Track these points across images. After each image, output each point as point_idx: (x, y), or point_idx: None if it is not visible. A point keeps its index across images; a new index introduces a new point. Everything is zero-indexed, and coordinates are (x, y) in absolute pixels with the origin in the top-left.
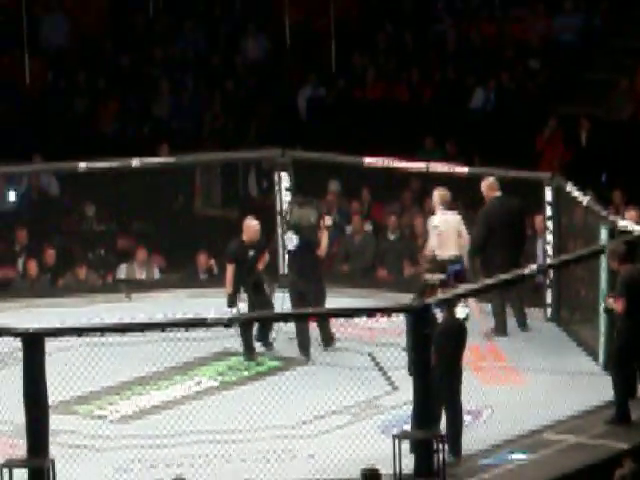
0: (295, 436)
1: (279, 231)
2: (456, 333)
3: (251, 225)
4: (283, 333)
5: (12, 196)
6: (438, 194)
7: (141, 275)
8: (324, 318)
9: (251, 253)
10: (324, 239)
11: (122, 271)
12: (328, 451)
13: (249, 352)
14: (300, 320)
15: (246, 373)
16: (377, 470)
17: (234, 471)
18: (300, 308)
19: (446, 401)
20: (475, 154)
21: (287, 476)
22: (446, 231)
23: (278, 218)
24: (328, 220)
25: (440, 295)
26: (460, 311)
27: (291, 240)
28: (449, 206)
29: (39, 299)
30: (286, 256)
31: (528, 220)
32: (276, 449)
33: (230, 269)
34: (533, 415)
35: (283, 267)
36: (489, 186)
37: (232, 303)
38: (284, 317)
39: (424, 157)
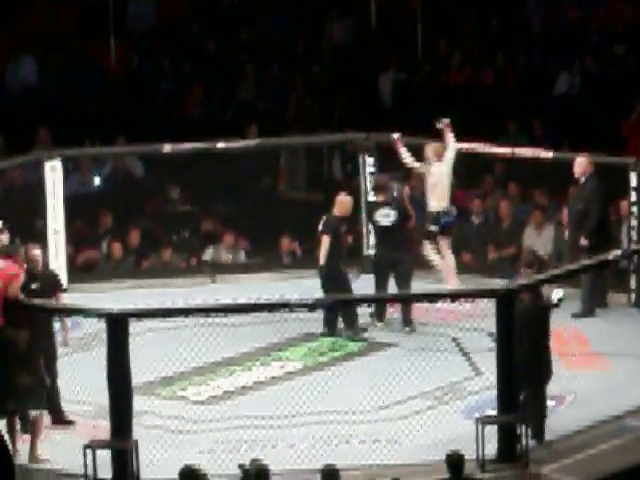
0: (378, 420)
1: (363, 214)
2: (539, 316)
3: (345, 200)
4: (368, 316)
5: (97, 180)
6: (433, 147)
7: (227, 258)
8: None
9: (343, 228)
10: (412, 211)
11: (209, 254)
12: (411, 435)
13: (330, 329)
14: (383, 302)
15: (331, 355)
16: (461, 454)
17: (317, 454)
18: (386, 283)
19: (530, 385)
20: (564, 139)
21: (370, 460)
22: (440, 183)
23: (362, 201)
24: (407, 190)
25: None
26: (555, 293)
27: (387, 215)
28: (440, 159)
29: (123, 281)
30: (371, 233)
31: (613, 205)
32: (359, 432)
33: (326, 242)
34: (617, 401)
35: (366, 249)
36: (588, 164)
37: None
38: (368, 300)
39: (507, 142)
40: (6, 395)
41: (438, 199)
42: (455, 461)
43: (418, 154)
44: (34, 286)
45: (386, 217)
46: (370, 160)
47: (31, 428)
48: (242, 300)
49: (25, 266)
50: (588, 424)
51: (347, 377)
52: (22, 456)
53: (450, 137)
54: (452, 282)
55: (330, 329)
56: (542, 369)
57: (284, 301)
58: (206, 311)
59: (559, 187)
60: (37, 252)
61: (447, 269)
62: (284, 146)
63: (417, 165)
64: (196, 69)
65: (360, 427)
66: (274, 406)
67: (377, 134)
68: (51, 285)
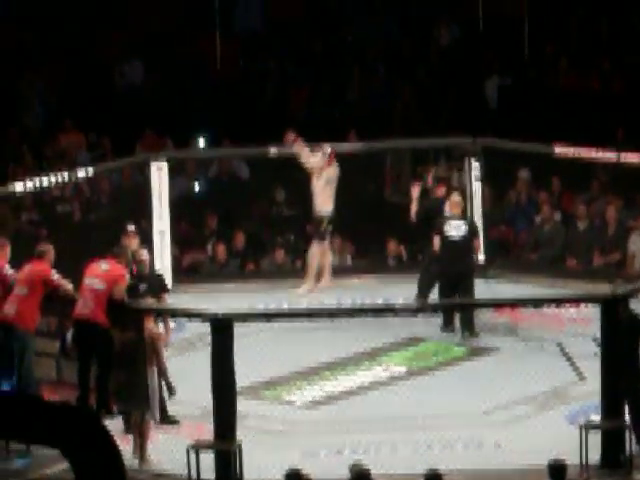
0: (482, 424)
1: (469, 218)
2: (632, 325)
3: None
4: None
5: (197, 187)
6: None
7: (334, 261)
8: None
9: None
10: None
11: None
12: (514, 440)
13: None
14: (488, 307)
15: (434, 359)
16: (563, 461)
17: (420, 458)
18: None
19: (631, 392)
20: None
21: (473, 465)
22: (331, 186)
23: (468, 205)
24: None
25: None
26: None
27: (459, 228)
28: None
29: (228, 283)
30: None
31: None
32: (463, 437)
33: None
34: None
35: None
36: None
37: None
38: (474, 305)
39: (614, 147)
40: (113, 396)
41: (327, 202)
42: (557, 468)
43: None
44: (142, 287)
45: (457, 229)
46: (476, 164)
47: (141, 429)
48: (347, 304)
49: (134, 268)
50: None
51: (450, 382)
52: (128, 458)
53: (334, 165)
54: (324, 282)
55: (448, 327)
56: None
57: (389, 305)
58: (311, 314)
59: None
60: (145, 254)
61: (323, 271)
62: (390, 150)
63: (315, 161)
64: (302, 70)
65: (463, 432)
66: (377, 410)
67: (483, 138)
68: (158, 287)
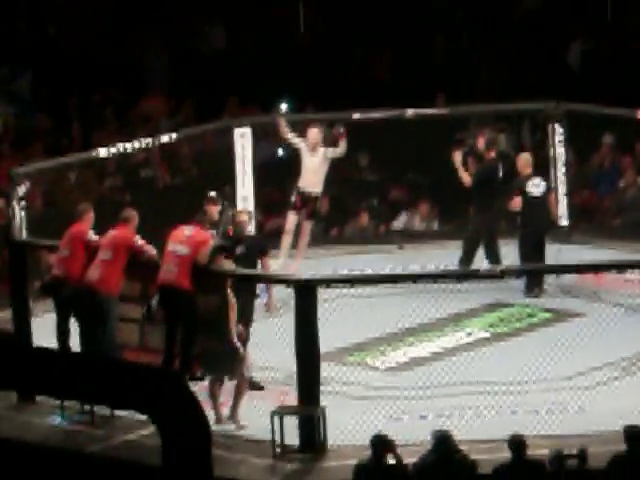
0: (565, 389)
1: (551, 183)
2: None
3: (523, 157)
4: (555, 286)
5: (280, 151)
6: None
7: (420, 227)
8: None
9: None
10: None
11: (401, 221)
12: (598, 405)
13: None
14: (572, 272)
15: (517, 325)
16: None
17: (504, 423)
18: (542, 255)
19: None
20: None
21: (557, 429)
22: (322, 170)
23: (551, 169)
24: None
25: None
26: None
27: (538, 186)
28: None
29: (311, 248)
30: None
31: None
32: (546, 401)
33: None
34: None
35: (557, 217)
36: None
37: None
38: (558, 269)
39: None
40: (197, 361)
41: (316, 184)
42: (633, 435)
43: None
44: (239, 250)
45: (537, 187)
46: (560, 129)
47: (235, 392)
48: (431, 268)
49: (230, 230)
50: None
51: (534, 346)
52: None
53: (343, 145)
54: (298, 262)
55: (532, 291)
56: None
57: (473, 270)
58: (395, 279)
59: None
60: (244, 217)
61: (301, 249)
62: (474, 114)
63: (298, 141)
64: (386, 35)
65: (547, 397)
66: (461, 375)
67: (567, 102)
68: (257, 250)
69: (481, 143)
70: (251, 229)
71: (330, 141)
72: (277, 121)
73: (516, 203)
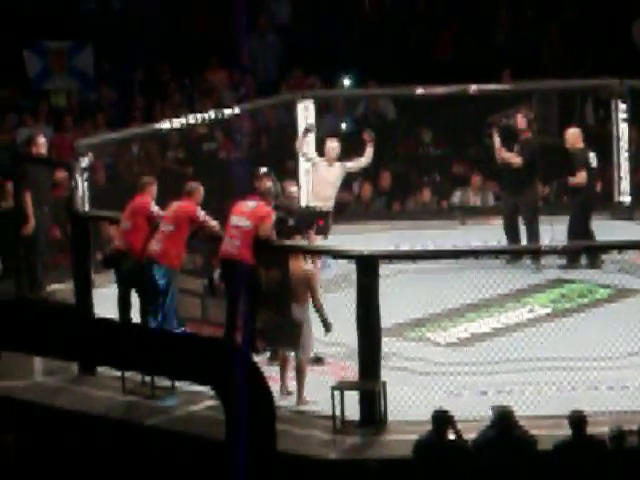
0: (627, 366)
1: (614, 160)
2: None
3: (574, 132)
4: (617, 262)
5: (344, 125)
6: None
7: (476, 201)
8: None
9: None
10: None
11: (457, 197)
12: None
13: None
14: (634, 249)
15: (579, 301)
16: None
17: (565, 399)
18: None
19: None
20: None
21: (618, 406)
22: (335, 185)
23: (614, 146)
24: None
25: None
26: None
27: (595, 158)
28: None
29: (374, 223)
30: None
31: None
32: (607, 379)
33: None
34: None
35: (618, 194)
36: None
37: None
38: (620, 246)
39: None
40: (258, 334)
41: (329, 199)
42: None
43: None
44: (291, 222)
45: (595, 159)
46: (623, 106)
47: (297, 368)
48: (491, 244)
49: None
50: None
51: (595, 323)
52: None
53: (369, 152)
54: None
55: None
56: None
57: (533, 247)
58: (456, 254)
59: None
60: (294, 189)
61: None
62: (537, 90)
63: (315, 156)
64: (450, 11)
65: (609, 374)
66: (522, 351)
67: (631, 80)
68: (307, 222)
69: (521, 122)
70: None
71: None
72: (300, 136)
73: (582, 177)
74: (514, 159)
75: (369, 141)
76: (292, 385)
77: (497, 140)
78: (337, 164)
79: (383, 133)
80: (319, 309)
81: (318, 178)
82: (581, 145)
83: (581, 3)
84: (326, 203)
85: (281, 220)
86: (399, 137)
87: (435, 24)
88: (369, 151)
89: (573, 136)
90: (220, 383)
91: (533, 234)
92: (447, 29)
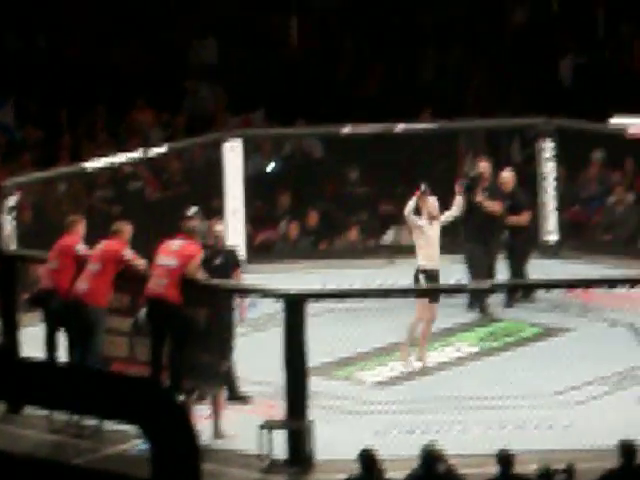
0: (554, 405)
1: (541, 198)
2: None
3: (503, 175)
4: (545, 300)
5: (271, 166)
6: (431, 204)
7: (409, 241)
8: None
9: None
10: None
11: (390, 235)
12: (587, 421)
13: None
14: (561, 287)
15: (507, 340)
16: (633, 442)
17: (492, 438)
18: None
19: None
20: None
21: (545, 445)
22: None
23: (540, 185)
24: (460, 184)
25: None
26: None
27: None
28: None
29: (301, 262)
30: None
31: None
32: (535, 417)
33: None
34: None
35: (545, 233)
36: None
37: None
38: (548, 285)
39: None
40: (184, 373)
41: (438, 258)
42: (627, 449)
43: None
44: (217, 262)
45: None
46: (550, 144)
47: (213, 406)
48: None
49: (209, 241)
50: None
51: (522, 362)
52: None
53: (459, 201)
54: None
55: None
56: None
57: (460, 285)
58: (384, 293)
59: None
60: (221, 228)
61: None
62: (463, 129)
63: (416, 218)
64: (377, 50)
65: (535, 412)
66: (449, 390)
67: (557, 118)
68: (232, 262)
69: (485, 168)
70: (237, 241)
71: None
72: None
73: (526, 218)
74: (496, 207)
75: (459, 191)
76: (223, 423)
77: (480, 198)
78: (436, 220)
79: (309, 172)
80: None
81: (427, 240)
82: (515, 186)
83: (508, 41)
84: (438, 265)
85: (207, 259)
86: (326, 176)
87: (362, 62)
88: (459, 199)
89: (511, 178)
90: (145, 422)
91: (521, 275)
92: (374, 67)
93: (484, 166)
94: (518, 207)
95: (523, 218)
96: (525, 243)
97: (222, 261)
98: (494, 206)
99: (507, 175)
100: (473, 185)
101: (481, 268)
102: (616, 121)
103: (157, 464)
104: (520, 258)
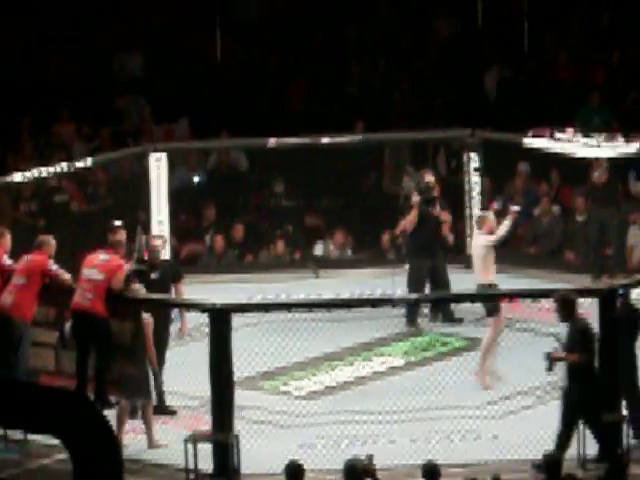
0: (479, 417)
1: (467, 211)
2: (631, 318)
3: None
4: (471, 313)
5: (196, 179)
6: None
7: (335, 254)
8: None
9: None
10: (411, 214)
11: (318, 249)
12: (512, 432)
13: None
14: (488, 300)
15: (433, 352)
16: (559, 455)
17: (418, 450)
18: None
19: (626, 385)
20: None
21: (471, 456)
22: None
23: (466, 198)
24: (415, 197)
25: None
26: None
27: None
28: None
29: (226, 274)
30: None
31: None
32: (460, 429)
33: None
34: None
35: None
36: None
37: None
38: (471, 297)
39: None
40: (111, 386)
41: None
42: (551, 462)
43: None
44: (154, 276)
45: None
46: (475, 157)
47: (142, 417)
48: (345, 295)
49: (145, 255)
50: None
51: (448, 373)
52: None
53: (507, 222)
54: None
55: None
56: (634, 368)
57: (387, 297)
58: (309, 306)
59: None
60: (159, 242)
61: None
62: (389, 142)
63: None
64: (302, 63)
65: (461, 424)
66: (375, 402)
67: (482, 131)
68: (170, 275)
69: (430, 178)
70: (165, 255)
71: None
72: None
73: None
74: (447, 217)
75: (512, 213)
76: (155, 435)
77: (437, 210)
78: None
79: (235, 185)
80: (150, 358)
81: (491, 256)
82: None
83: (433, 54)
84: (488, 277)
85: (143, 273)
86: (251, 189)
87: (287, 75)
88: (509, 220)
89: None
90: (68, 435)
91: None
92: (299, 80)
93: (430, 178)
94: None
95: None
96: (444, 251)
97: (158, 276)
98: (446, 216)
99: (433, 180)
100: (428, 198)
101: (423, 281)
102: (530, 141)
103: (79, 477)
104: (436, 268)
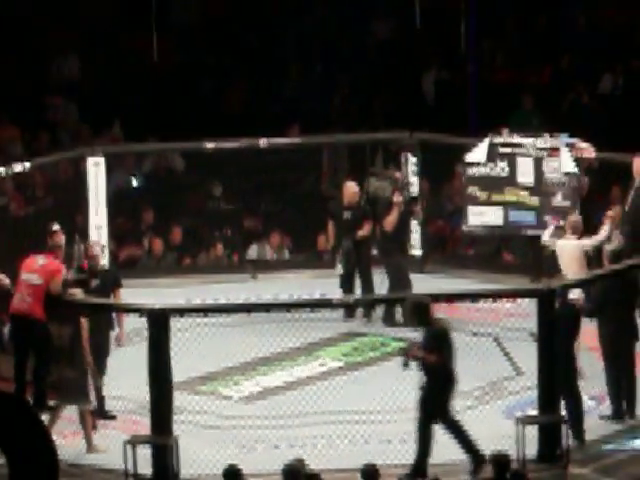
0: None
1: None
2: (570, 318)
3: (348, 186)
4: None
5: (135, 182)
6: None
7: (272, 256)
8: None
9: (346, 215)
10: (393, 214)
11: (253, 251)
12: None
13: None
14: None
15: (371, 354)
16: (507, 455)
17: (357, 452)
18: None
19: (564, 386)
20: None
21: (410, 459)
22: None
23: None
24: (398, 196)
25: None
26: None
27: None
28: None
29: (165, 278)
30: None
31: None
32: (399, 431)
33: (330, 225)
34: None
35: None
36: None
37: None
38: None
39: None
40: (50, 390)
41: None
42: (500, 460)
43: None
44: (95, 283)
45: None
46: (413, 159)
47: (81, 422)
48: (283, 298)
49: (85, 263)
50: (631, 424)
51: (387, 376)
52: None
53: (607, 229)
54: None
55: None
56: (573, 369)
57: (325, 300)
58: (247, 308)
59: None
60: (97, 250)
61: None
62: (326, 144)
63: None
64: (239, 65)
65: (400, 426)
66: (315, 404)
67: (420, 133)
68: (111, 282)
69: (399, 176)
70: (104, 259)
71: None
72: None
73: (368, 229)
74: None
75: (609, 216)
76: (95, 439)
77: (418, 208)
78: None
79: (173, 187)
80: (85, 358)
81: (584, 257)
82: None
83: (371, 56)
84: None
85: (84, 282)
86: (189, 191)
87: (225, 77)
88: (608, 225)
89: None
90: (4, 439)
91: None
92: (237, 82)
93: (399, 176)
94: (361, 219)
95: (366, 229)
96: (368, 254)
97: (99, 283)
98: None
99: (353, 185)
100: (411, 196)
101: (408, 277)
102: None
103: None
104: (366, 270)
